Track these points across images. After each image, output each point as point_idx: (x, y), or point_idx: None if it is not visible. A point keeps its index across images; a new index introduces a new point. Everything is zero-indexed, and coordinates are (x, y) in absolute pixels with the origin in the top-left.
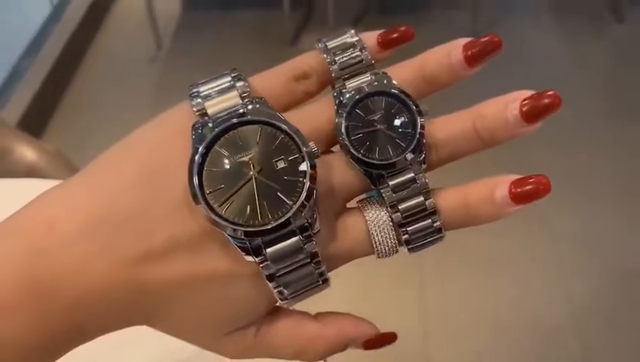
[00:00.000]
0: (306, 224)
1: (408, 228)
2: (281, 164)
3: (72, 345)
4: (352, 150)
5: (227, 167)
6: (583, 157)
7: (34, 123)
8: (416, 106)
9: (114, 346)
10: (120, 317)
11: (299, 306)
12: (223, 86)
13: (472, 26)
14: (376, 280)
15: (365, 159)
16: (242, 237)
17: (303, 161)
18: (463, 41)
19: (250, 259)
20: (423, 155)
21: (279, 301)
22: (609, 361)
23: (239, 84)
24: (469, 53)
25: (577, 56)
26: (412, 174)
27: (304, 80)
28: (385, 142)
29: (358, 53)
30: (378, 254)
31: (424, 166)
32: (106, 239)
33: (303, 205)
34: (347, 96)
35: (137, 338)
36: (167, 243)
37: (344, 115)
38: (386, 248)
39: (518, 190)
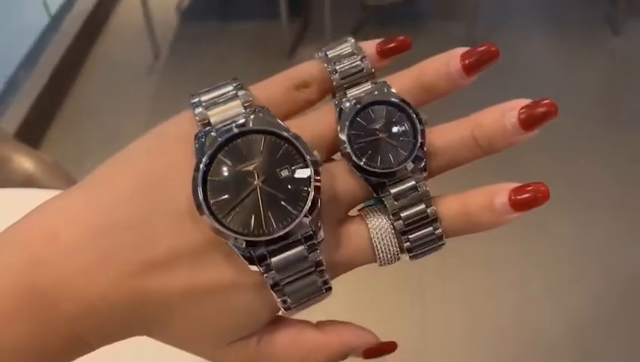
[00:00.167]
0: (311, 233)
1: (410, 236)
2: (285, 173)
3: (73, 356)
4: (355, 158)
5: (231, 176)
6: (580, 165)
7: (32, 133)
8: (417, 115)
9: (112, 356)
10: (121, 328)
11: (299, 314)
12: (226, 95)
13: (468, 36)
14: (377, 287)
15: (367, 168)
16: (247, 246)
17: (307, 169)
18: (461, 50)
19: (254, 268)
20: (424, 163)
21: (282, 310)
22: None
23: (241, 93)
24: (467, 62)
25: (574, 67)
26: (413, 182)
27: (305, 88)
28: (386, 150)
29: (359, 62)
30: (380, 262)
31: (425, 174)
32: (106, 249)
33: (307, 214)
34: (348, 105)
35: (137, 346)
36: (169, 253)
37: (346, 123)
38: (388, 256)
39: (518, 197)
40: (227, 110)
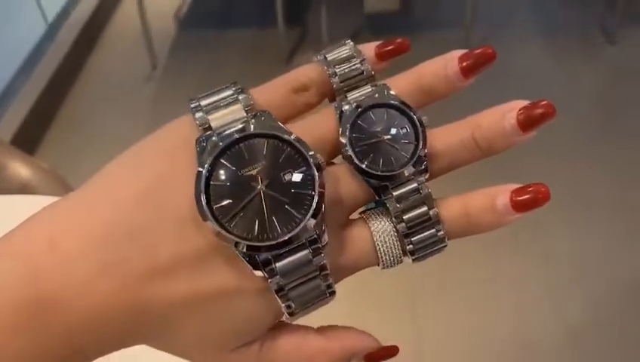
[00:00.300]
0: (315, 237)
1: (412, 239)
2: (288, 177)
3: None
4: (357, 161)
5: (234, 181)
6: (577, 169)
7: (28, 140)
8: (418, 117)
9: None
10: (122, 338)
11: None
12: (226, 99)
13: (466, 44)
14: (370, 301)
15: (370, 170)
16: (251, 252)
17: (311, 173)
18: (458, 53)
19: (259, 273)
20: (425, 165)
21: (286, 315)
22: None
23: (242, 96)
24: (465, 64)
25: (569, 75)
26: (415, 185)
27: (304, 92)
28: (388, 153)
29: (359, 65)
30: (383, 265)
31: (426, 176)
32: (108, 257)
33: (312, 218)
34: (349, 108)
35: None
36: (171, 260)
37: (347, 126)
38: (391, 258)
39: (519, 199)
40: (228, 114)
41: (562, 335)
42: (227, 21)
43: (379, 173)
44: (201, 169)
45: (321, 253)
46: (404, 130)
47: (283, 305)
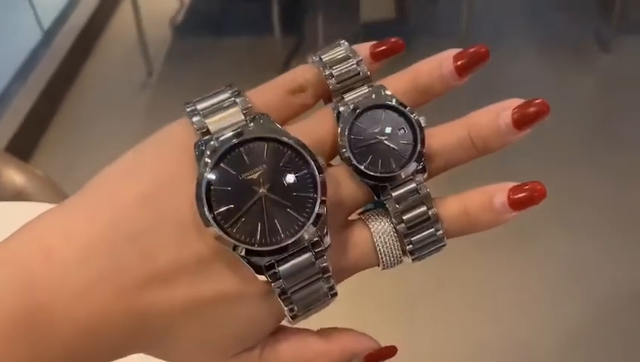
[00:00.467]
0: (318, 239)
1: (412, 239)
2: (289, 180)
3: None
4: (356, 163)
5: (235, 185)
6: (572, 177)
7: (23, 147)
8: (415, 117)
9: None
10: (120, 347)
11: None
12: (224, 102)
13: None
14: (371, 302)
15: (369, 172)
16: (255, 256)
17: (312, 176)
18: (453, 52)
19: (262, 278)
20: (424, 165)
21: (289, 318)
22: None
23: (239, 99)
24: (459, 63)
25: (564, 84)
26: (414, 185)
27: (300, 93)
28: (387, 154)
29: (355, 65)
30: (383, 265)
31: (425, 175)
32: (107, 265)
33: (315, 221)
34: (347, 109)
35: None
36: (171, 266)
37: (345, 128)
38: (391, 259)
39: (516, 197)
40: (226, 117)
41: (560, 337)
42: (223, 28)
43: (378, 174)
44: (201, 174)
45: (324, 255)
46: (402, 131)
47: (286, 308)
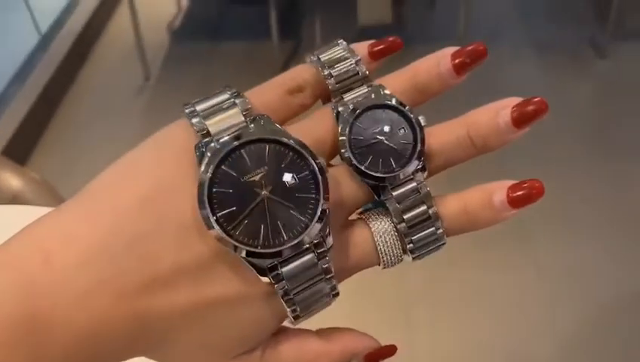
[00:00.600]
0: (320, 240)
1: (413, 238)
2: (291, 182)
3: None
4: (357, 163)
5: (237, 188)
6: (570, 183)
7: (19, 151)
8: (415, 117)
9: None
10: (121, 351)
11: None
12: (223, 104)
13: None
14: (371, 303)
15: (369, 172)
16: (258, 258)
17: (314, 176)
18: (451, 50)
19: (265, 279)
20: (423, 164)
21: (291, 319)
22: None
23: (239, 100)
24: (457, 61)
25: (560, 90)
26: (415, 184)
27: (299, 93)
28: (387, 154)
29: (353, 65)
30: (384, 265)
31: (425, 174)
32: (106, 269)
33: (317, 222)
34: (346, 109)
35: None
36: (172, 269)
37: (345, 128)
38: (392, 258)
39: (515, 194)
40: (226, 119)
41: (560, 336)
42: (221, 33)
43: (379, 174)
44: (203, 176)
45: (326, 256)
46: (402, 131)
47: (288, 309)
